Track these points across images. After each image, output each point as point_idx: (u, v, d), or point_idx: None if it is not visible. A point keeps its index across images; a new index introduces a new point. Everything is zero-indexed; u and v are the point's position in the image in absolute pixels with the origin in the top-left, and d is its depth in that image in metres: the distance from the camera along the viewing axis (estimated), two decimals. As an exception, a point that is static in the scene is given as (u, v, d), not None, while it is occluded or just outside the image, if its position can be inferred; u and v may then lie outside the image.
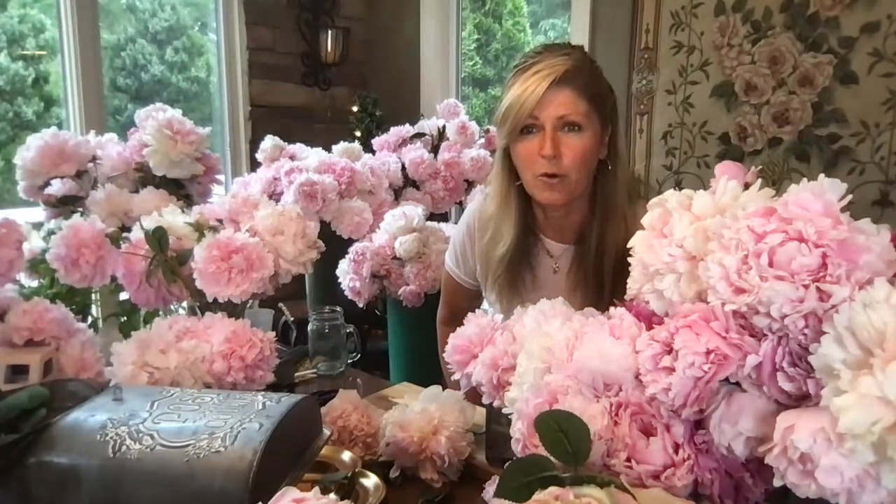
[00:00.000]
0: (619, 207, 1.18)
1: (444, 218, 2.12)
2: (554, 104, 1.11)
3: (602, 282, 1.19)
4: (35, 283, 1.29)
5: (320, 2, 2.90)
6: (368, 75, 3.13)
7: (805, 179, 0.57)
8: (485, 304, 1.46)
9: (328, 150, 2.03)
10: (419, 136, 2.20)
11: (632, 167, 2.17)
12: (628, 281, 0.68)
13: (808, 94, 1.86)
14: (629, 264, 0.69)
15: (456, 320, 0.95)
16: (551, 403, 0.65)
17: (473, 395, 0.90)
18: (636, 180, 1.25)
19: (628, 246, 0.68)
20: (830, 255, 0.51)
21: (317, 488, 0.55)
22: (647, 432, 0.62)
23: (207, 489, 0.64)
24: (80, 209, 1.40)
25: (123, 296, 1.21)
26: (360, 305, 1.76)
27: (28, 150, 1.41)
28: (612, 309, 0.71)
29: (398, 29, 2.99)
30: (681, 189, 0.66)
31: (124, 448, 0.67)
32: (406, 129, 2.22)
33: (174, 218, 1.14)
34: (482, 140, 2.24)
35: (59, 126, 1.72)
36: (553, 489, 0.51)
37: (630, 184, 1.24)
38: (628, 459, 0.61)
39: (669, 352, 0.59)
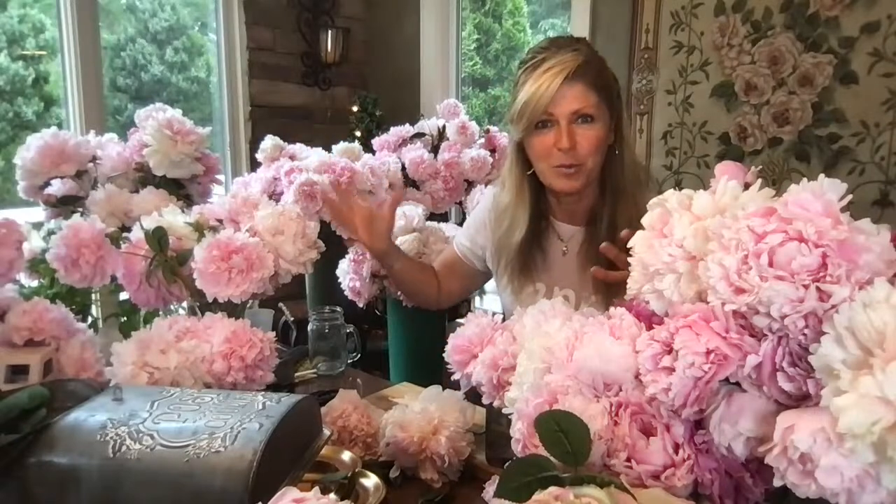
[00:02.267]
0: (628, 189, 1.23)
1: (444, 218, 2.11)
2: (567, 99, 1.15)
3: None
4: (35, 283, 1.29)
5: (320, 2, 2.90)
6: (368, 75, 3.13)
7: (805, 179, 0.56)
8: (485, 304, 1.47)
9: (328, 150, 2.03)
10: (419, 136, 2.19)
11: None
12: (628, 281, 0.68)
13: (808, 94, 1.86)
14: None
15: (440, 276, 1.21)
16: (551, 403, 0.65)
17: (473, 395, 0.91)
18: (641, 165, 1.31)
19: (628, 245, 0.68)
20: (830, 255, 0.51)
21: (317, 488, 0.55)
22: (647, 432, 0.62)
23: (207, 489, 0.64)
24: (80, 209, 1.40)
25: (123, 296, 1.21)
26: (360, 305, 1.76)
27: (28, 150, 1.41)
28: (611, 309, 0.71)
29: (398, 29, 2.99)
30: (681, 189, 0.66)
31: (124, 448, 0.67)
32: (406, 129, 2.22)
33: (174, 218, 1.14)
34: (482, 140, 2.23)
35: (59, 126, 1.72)
36: (553, 489, 0.51)
37: (637, 166, 1.29)
38: (628, 459, 0.61)
39: (669, 352, 0.59)
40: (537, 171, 1.24)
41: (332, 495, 0.55)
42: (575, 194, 1.24)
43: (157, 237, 1.07)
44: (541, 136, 1.19)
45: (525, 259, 1.30)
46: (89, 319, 1.37)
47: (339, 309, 1.41)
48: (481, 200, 1.47)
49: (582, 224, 1.30)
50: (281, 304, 1.81)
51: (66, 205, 1.42)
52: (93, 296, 1.37)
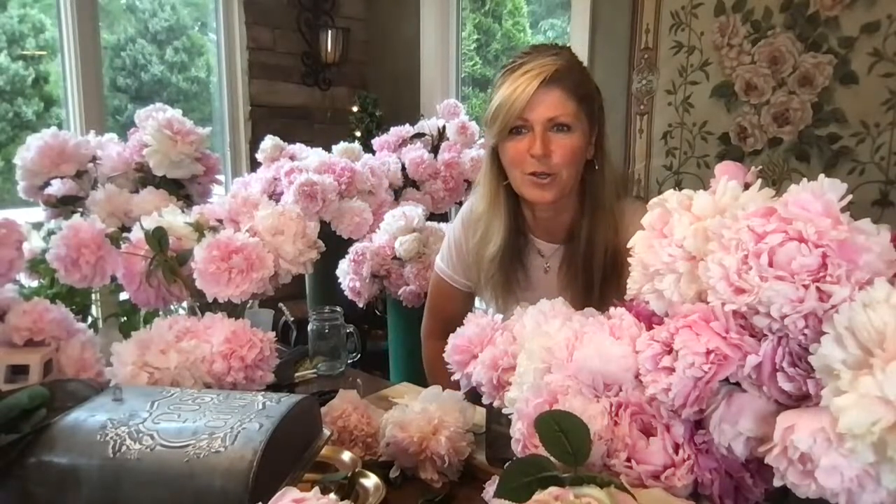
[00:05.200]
0: (607, 206, 1.19)
1: (444, 218, 2.12)
2: (544, 105, 1.11)
3: (591, 281, 1.20)
4: (35, 283, 1.29)
5: (320, 2, 2.90)
6: (368, 75, 3.13)
7: (805, 179, 0.57)
8: (481, 305, 1.46)
9: (328, 150, 2.03)
10: (419, 136, 2.20)
11: (631, 168, 2.17)
12: (628, 281, 0.68)
13: (808, 94, 1.86)
14: (619, 263, 0.69)
15: (446, 331, 0.90)
16: (551, 403, 0.65)
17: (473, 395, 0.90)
18: (625, 179, 1.27)
19: (628, 246, 0.68)
20: (830, 255, 0.51)
21: (317, 488, 0.55)
22: (647, 432, 0.62)
23: (207, 489, 0.64)
24: (80, 209, 1.40)
25: (123, 296, 1.21)
26: (360, 305, 1.76)
27: (28, 150, 1.41)
28: (612, 309, 0.71)
29: (398, 29, 2.99)
30: (681, 189, 0.66)
31: (124, 448, 0.67)
32: (406, 129, 2.22)
33: (174, 218, 1.14)
34: (482, 140, 2.23)
35: (59, 126, 1.72)
36: (553, 489, 0.51)
37: (618, 183, 1.25)
38: (628, 459, 0.61)
39: (669, 352, 0.59)
40: (510, 179, 1.19)
41: (332, 495, 0.55)
42: (548, 206, 1.20)
43: (157, 237, 1.07)
44: (514, 142, 1.14)
45: (507, 274, 1.26)
46: (89, 319, 1.37)
47: (339, 309, 1.41)
48: (450, 225, 1.42)
49: (562, 241, 1.25)
50: (281, 304, 1.81)
51: (66, 205, 1.42)
52: (93, 296, 1.37)
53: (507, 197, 1.23)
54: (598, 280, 1.19)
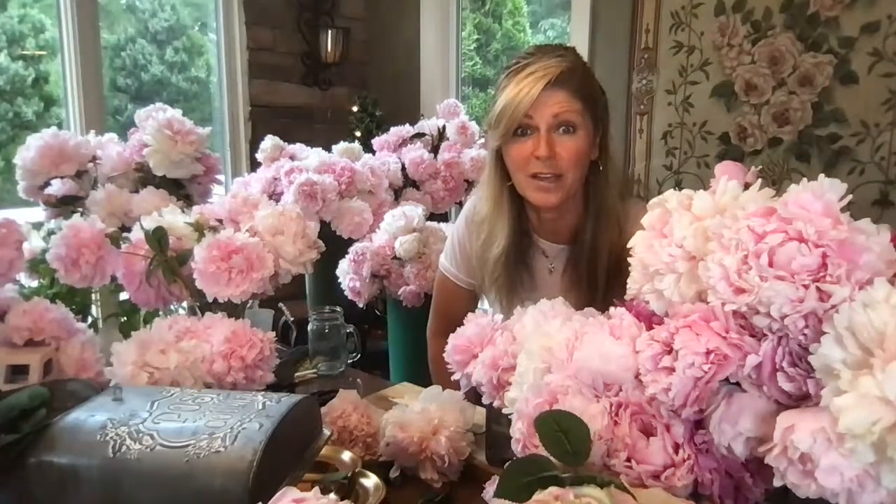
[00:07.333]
0: (611, 208, 1.19)
1: (444, 218, 2.12)
2: (549, 105, 1.10)
3: (595, 282, 1.20)
4: (35, 283, 1.29)
5: (320, 2, 2.90)
6: (368, 75, 3.13)
7: (805, 179, 0.57)
8: (484, 304, 1.46)
9: (328, 150, 2.03)
10: (419, 136, 2.19)
11: (631, 168, 2.17)
12: (628, 281, 0.68)
13: (808, 94, 1.86)
14: (623, 265, 0.69)
15: (452, 329, 0.89)
16: (551, 403, 0.65)
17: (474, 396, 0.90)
18: (628, 180, 1.27)
19: (628, 246, 0.68)
20: (830, 255, 0.51)
21: (317, 488, 0.55)
22: (647, 432, 0.62)
23: (207, 489, 0.64)
24: (80, 209, 1.40)
25: (123, 296, 1.21)
26: (360, 305, 1.76)
27: (28, 150, 1.41)
28: (612, 309, 0.71)
29: (398, 29, 2.99)
30: (681, 189, 0.66)
31: (124, 448, 0.67)
32: (406, 129, 2.22)
33: (174, 218, 1.14)
34: (482, 140, 2.23)
35: (59, 126, 1.72)
36: (553, 489, 0.51)
37: (622, 184, 1.25)
38: (628, 459, 0.61)
39: (669, 352, 0.59)
40: (514, 182, 1.19)
41: (332, 495, 0.55)
42: (553, 209, 1.19)
43: (157, 237, 1.07)
44: (519, 143, 1.14)
45: (511, 275, 1.26)
46: (89, 319, 1.37)
47: (339, 309, 1.41)
48: (455, 223, 1.42)
49: (566, 242, 1.25)
50: (281, 304, 1.81)
51: (66, 205, 1.42)
52: (93, 296, 1.37)
53: (511, 198, 1.23)
54: (602, 281, 1.19)
